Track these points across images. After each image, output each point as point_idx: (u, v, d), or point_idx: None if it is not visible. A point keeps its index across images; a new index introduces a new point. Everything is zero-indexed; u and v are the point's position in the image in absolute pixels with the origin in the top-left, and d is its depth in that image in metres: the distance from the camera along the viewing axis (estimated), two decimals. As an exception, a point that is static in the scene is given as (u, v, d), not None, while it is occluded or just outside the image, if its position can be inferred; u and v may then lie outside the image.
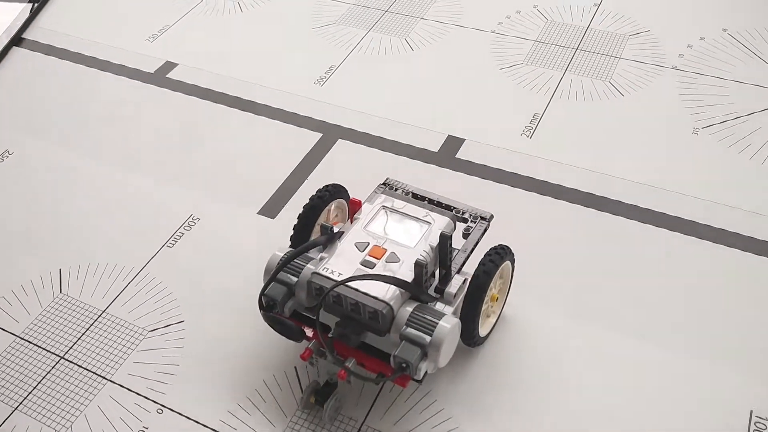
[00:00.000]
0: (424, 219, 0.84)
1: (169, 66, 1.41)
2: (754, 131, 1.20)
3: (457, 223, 0.89)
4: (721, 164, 1.16)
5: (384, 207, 0.87)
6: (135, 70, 1.41)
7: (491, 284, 0.83)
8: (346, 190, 0.95)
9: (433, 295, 0.81)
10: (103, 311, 1.01)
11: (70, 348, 0.98)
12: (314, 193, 0.91)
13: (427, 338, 0.74)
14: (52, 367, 0.96)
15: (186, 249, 1.08)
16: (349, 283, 0.76)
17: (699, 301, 0.96)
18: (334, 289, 0.76)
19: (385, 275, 0.77)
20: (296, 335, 0.80)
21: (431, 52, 1.40)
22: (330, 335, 0.78)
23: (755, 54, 1.34)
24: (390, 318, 0.75)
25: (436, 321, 0.75)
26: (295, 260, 0.81)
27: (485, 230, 0.88)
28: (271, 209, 1.12)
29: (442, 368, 0.82)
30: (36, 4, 1.59)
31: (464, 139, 1.22)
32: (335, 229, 0.84)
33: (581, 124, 1.24)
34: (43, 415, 0.91)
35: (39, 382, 0.94)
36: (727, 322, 0.94)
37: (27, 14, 1.58)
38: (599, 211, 1.07)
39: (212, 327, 0.98)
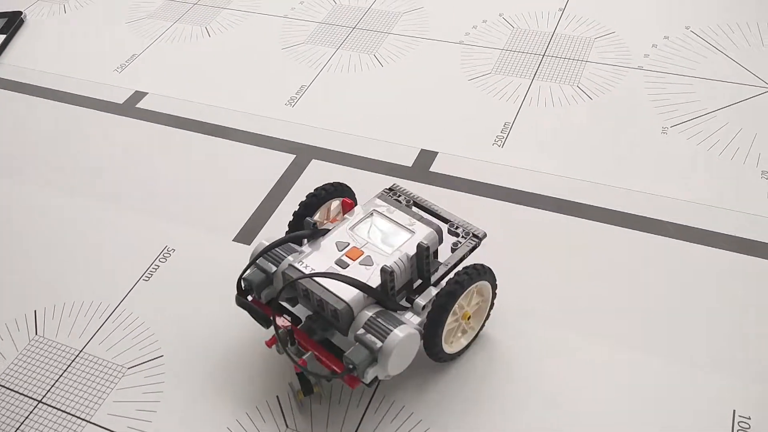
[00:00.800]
0: (409, 228, 0.85)
1: (139, 95, 1.41)
2: (722, 127, 1.22)
3: (451, 236, 0.89)
4: (692, 162, 1.17)
5: (374, 211, 0.87)
6: (104, 101, 1.41)
7: (463, 302, 0.83)
8: (351, 190, 0.96)
9: (404, 304, 0.81)
10: (81, 351, 1.01)
11: (48, 391, 0.97)
12: (312, 191, 0.92)
13: (378, 344, 0.75)
14: (30, 412, 0.95)
15: (162, 281, 1.07)
16: (317, 279, 0.78)
17: (677, 302, 0.97)
18: (306, 284, 0.78)
19: (347, 276, 0.79)
20: (264, 322, 0.83)
21: (400, 66, 1.41)
22: (299, 327, 0.81)
23: (719, 50, 1.36)
24: (348, 318, 0.77)
25: (391, 329, 0.76)
26: (277, 250, 0.83)
27: (474, 248, 0.88)
28: (246, 235, 1.12)
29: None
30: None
31: (437, 152, 1.23)
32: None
33: (552, 131, 1.25)
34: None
35: (17, 429, 0.93)
36: (709, 322, 0.95)
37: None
38: (574, 217, 1.08)
39: (192, 361, 0.97)
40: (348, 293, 0.78)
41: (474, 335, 0.91)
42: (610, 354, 0.91)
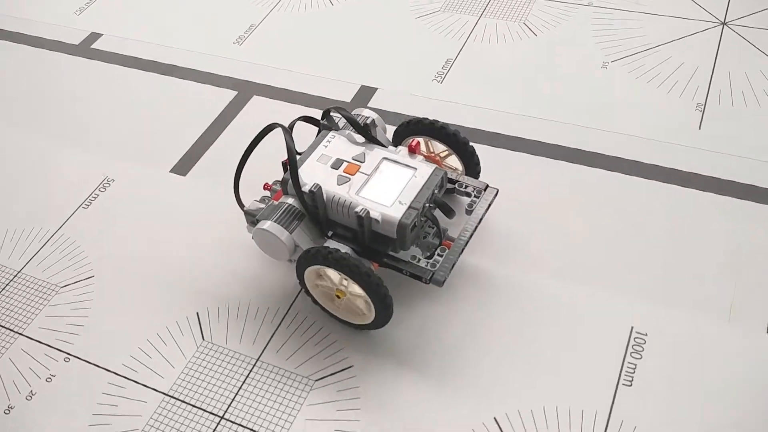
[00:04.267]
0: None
1: (94, 37, 1.43)
2: (664, 61, 1.21)
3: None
4: (629, 95, 1.16)
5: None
6: (59, 42, 1.44)
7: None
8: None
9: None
10: (19, 271, 1.06)
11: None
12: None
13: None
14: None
15: (101, 209, 1.11)
16: None
17: (601, 230, 1.01)
18: None
19: None
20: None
21: (352, 6, 1.42)
22: None
23: (671, -16, 1.34)
24: None
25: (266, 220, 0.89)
26: None
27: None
28: (182, 167, 1.15)
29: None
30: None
31: (377, 88, 1.24)
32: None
33: (494, 67, 1.25)
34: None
35: None
36: (610, 246, 0.98)
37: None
38: (510, 150, 1.09)
39: (119, 282, 1.02)
40: None
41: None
42: (524, 277, 0.94)
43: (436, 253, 0.90)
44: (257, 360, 0.93)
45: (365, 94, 1.25)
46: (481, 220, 0.92)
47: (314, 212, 0.91)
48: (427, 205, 0.89)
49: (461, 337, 0.91)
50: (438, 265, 0.89)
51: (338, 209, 0.89)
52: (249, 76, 1.30)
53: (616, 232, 1.00)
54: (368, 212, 0.87)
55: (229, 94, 1.27)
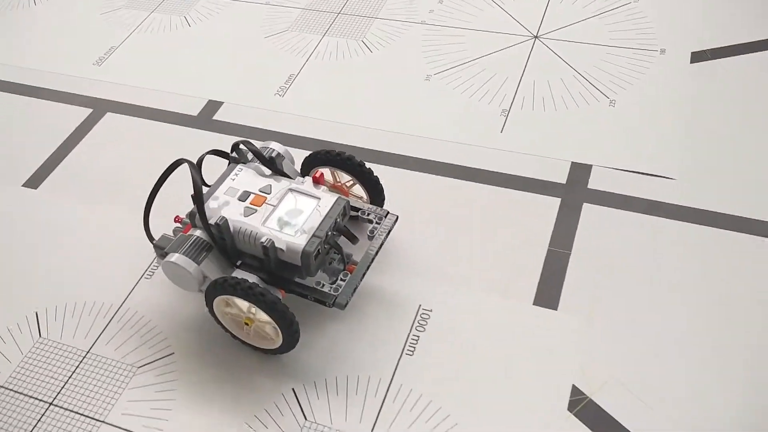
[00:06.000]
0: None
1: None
2: (479, 73, 1.35)
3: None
4: (445, 105, 1.30)
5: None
6: None
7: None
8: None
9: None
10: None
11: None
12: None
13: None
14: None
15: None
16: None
17: (420, 223, 1.15)
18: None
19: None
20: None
21: (207, 26, 1.55)
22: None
23: (496, 4, 1.49)
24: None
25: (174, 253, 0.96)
26: None
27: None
28: (34, 181, 1.24)
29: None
30: None
31: (222, 102, 1.35)
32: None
33: (330, 81, 1.39)
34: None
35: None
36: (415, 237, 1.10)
37: None
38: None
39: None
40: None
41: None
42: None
43: (340, 278, 0.97)
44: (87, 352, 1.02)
45: (212, 108, 1.36)
46: (382, 244, 1.00)
47: (222, 244, 0.96)
48: (330, 232, 0.95)
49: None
50: (341, 290, 0.95)
51: (245, 240, 0.95)
52: (105, 94, 1.41)
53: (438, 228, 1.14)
54: (273, 242, 0.93)
55: (84, 112, 1.37)
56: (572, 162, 1.21)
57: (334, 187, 1.10)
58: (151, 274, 1.12)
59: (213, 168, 1.08)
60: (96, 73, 1.48)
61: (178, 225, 1.03)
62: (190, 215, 0.97)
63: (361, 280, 0.96)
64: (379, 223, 1.01)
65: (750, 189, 1.14)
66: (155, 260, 1.13)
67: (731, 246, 1.08)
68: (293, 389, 0.98)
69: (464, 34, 1.48)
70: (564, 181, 1.18)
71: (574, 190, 1.17)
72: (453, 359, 0.99)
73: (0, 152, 1.33)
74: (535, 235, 1.12)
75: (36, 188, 1.26)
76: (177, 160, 1.00)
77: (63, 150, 1.33)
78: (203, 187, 0.99)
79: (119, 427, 0.95)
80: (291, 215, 0.95)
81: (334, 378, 0.98)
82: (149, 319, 1.07)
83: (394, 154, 1.25)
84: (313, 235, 0.93)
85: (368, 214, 1.03)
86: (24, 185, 1.27)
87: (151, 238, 1.03)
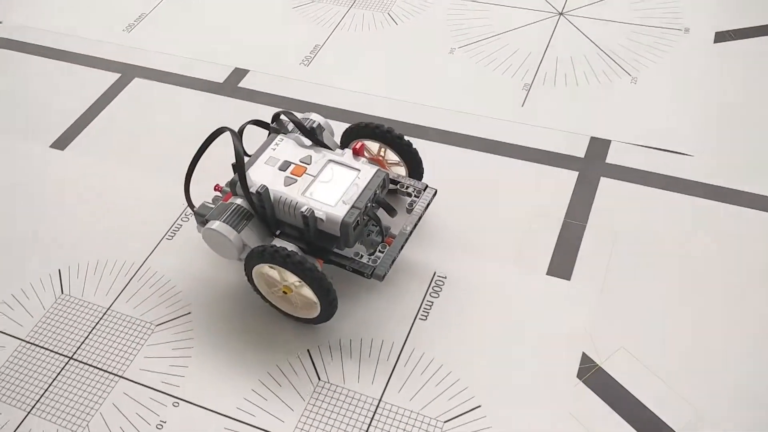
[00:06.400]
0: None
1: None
2: (502, 48, 1.36)
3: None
4: (467, 78, 1.31)
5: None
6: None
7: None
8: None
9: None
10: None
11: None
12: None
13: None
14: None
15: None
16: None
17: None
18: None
19: None
20: None
21: (234, -2, 1.56)
22: None
23: (523, -21, 1.49)
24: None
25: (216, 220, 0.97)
26: None
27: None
28: (61, 143, 1.27)
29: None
30: None
31: (248, 70, 1.37)
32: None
33: (356, 53, 1.40)
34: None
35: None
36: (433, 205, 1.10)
37: None
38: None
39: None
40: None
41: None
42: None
43: (378, 249, 0.98)
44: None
45: (238, 75, 1.38)
46: (420, 218, 1.01)
47: (262, 212, 0.97)
48: (369, 204, 0.95)
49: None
50: (379, 261, 0.96)
51: (285, 209, 0.95)
52: (134, 60, 1.43)
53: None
54: (313, 212, 0.93)
55: (113, 77, 1.39)
56: (591, 137, 1.22)
57: (374, 160, 1.10)
58: (173, 235, 1.15)
59: (250, 138, 1.09)
60: (126, 40, 1.50)
61: (218, 193, 1.04)
62: (231, 184, 0.97)
63: (399, 253, 0.97)
64: (418, 197, 1.02)
65: (765, 167, 1.15)
66: (177, 221, 1.16)
67: (745, 222, 1.08)
68: (308, 350, 1.00)
69: (489, 9, 1.49)
70: (582, 155, 1.19)
71: (593, 164, 1.18)
72: (465, 325, 1.01)
73: (29, 114, 1.36)
74: (552, 207, 1.13)
75: (63, 149, 1.29)
76: (219, 129, 1.00)
77: (91, 113, 1.36)
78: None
79: (137, 382, 0.97)
80: (331, 186, 0.96)
81: (348, 341, 1.00)
82: (168, 279, 1.09)
83: (415, 125, 1.27)
84: (353, 206, 0.93)
85: (407, 188, 1.04)
86: (51, 146, 1.30)
87: (191, 205, 1.04)
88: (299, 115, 1.05)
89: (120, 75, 1.43)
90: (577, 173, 1.17)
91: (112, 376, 0.98)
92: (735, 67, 1.30)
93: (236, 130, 1.00)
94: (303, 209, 0.92)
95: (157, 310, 1.06)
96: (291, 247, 0.95)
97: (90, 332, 1.04)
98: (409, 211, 1.01)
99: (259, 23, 1.51)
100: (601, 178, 1.16)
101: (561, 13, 1.45)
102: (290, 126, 1.05)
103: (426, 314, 1.02)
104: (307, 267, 0.90)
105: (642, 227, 1.09)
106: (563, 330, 0.99)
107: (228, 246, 0.95)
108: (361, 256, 0.96)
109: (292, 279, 0.97)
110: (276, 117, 1.04)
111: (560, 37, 1.40)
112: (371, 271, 0.94)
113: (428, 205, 1.01)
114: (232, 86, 1.38)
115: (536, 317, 1.01)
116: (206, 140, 1.01)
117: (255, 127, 1.06)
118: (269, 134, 1.05)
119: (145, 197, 1.20)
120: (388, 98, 1.32)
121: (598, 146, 1.20)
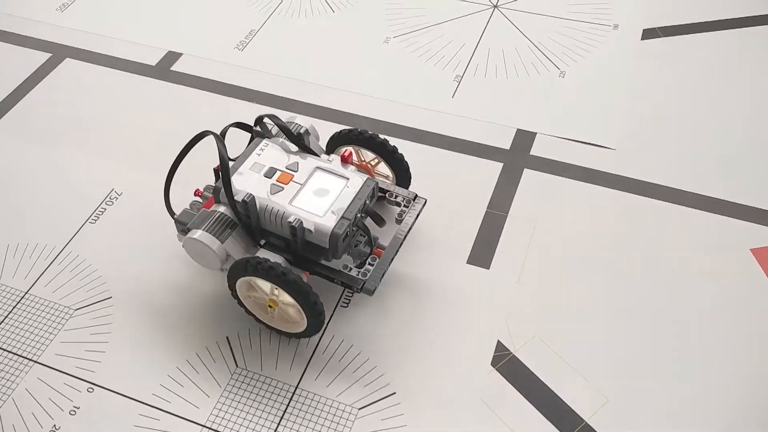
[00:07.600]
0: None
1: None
2: (436, 38, 1.37)
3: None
4: (400, 68, 1.32)
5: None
6: None
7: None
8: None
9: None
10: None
11: None
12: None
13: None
14: None
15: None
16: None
17: None
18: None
19: None
20: None
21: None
22: None
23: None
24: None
25: (197, 230, 0.93)
26: None
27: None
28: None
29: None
30: None
31: (181, 54, 1.35)
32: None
33: (291, 39, 1.39)
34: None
35: None
36: None
37: None
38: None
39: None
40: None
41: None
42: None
43: (367, 261, 0.94)
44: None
45: (170, 58, 1.37)
46: (410, 229, 0.99)
47: (247, 221, 0.93)
48: (358, 215, 0.92)
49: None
50: (369, 275, 0.93)
51: (271, 219, 0.91)
52: (66, 41, 1.41)
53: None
54: (301, 222, 0.89)
55: (43, 56, 1.37)
56: (517, 129, 1.24)
57: (360, 167, 1.08)
58: (96, 219, 1.13)
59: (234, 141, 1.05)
60: (58, 19, 1.48)
61: (198, 199, 1.00)
62: (215, 190, 0.93)
63: (389, 266, 0.95)
64: (407, 207, 1.00)
65: (684, 162, 1.18)
66: (101, 205, 1.14)
67: (661, 215, 1.11)
68: (227, 337, 1.00)
69: (426, 0, 1.50)
70: (508, 147, 1.21)
71: (517, 156, 1.20)
72: (385, 313, 1.02)
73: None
74: (475, 197, 1.14)
75: (-13, 133, 1.27)
76: (202, 132, 0.96)
77: (19, 93, 1.33)
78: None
79: (51, 367, 0.96)
80: (319, 195, 0.92)
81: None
82: (90, 263, 1.08)
83: (345, 112, 1.27)
84: (342, 217, 0.90)
85: (396, 197, 1.01)
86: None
87: (171, 212, 1.00)
88: (284, 119, 1.02)
89: (51, 55, 1.41)
90: (501, 164, 1.19)
91: (26, 361, 0.97)
92: (661, 63, 1.33)
93: (219, 132, 0.96)
94: (291, 219, 0.88)
95: (77, 294, 1.04)
96: (276, 258, 0.92)
97: (6, 316, 1.02)
98: (398, 221, 0.99)
99: (193, 6, 1.50)
100: (525, 169, 1.18)
101: (495, 6, 1.47)
102: (274, 129, 1.02)
103: (347, 302, 1.03)
104: (290, 279, 0.87)
105: (561, 218, 1.12)
106: (481, 318, 1.01)
107: (210, 256, 0.92)
108: (350, 268, 0.93)
109: (278, 293, 0.94)
110: (259, 120, 1.00)
111: (493, 29, 1.42)
112: (361, 285, 0.92)
113: (418, 215, 0.99)
114: (164, 69, 1.37)
115: (455, 306, 1.02)
116: (188, 144, 0.97)
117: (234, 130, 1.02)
118: (251, 138, 1.01)
119: (70, 179, 1.18)
120: (321, 85, 1.32)
121: (524, 138, 1.22)
